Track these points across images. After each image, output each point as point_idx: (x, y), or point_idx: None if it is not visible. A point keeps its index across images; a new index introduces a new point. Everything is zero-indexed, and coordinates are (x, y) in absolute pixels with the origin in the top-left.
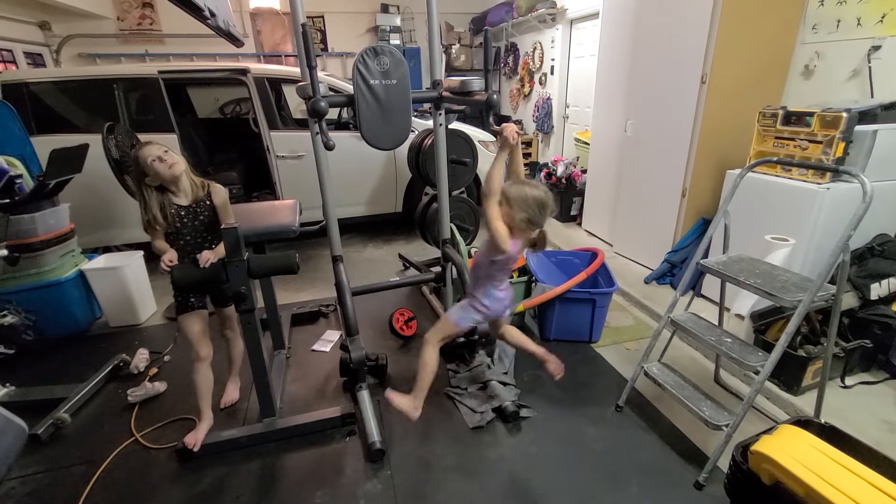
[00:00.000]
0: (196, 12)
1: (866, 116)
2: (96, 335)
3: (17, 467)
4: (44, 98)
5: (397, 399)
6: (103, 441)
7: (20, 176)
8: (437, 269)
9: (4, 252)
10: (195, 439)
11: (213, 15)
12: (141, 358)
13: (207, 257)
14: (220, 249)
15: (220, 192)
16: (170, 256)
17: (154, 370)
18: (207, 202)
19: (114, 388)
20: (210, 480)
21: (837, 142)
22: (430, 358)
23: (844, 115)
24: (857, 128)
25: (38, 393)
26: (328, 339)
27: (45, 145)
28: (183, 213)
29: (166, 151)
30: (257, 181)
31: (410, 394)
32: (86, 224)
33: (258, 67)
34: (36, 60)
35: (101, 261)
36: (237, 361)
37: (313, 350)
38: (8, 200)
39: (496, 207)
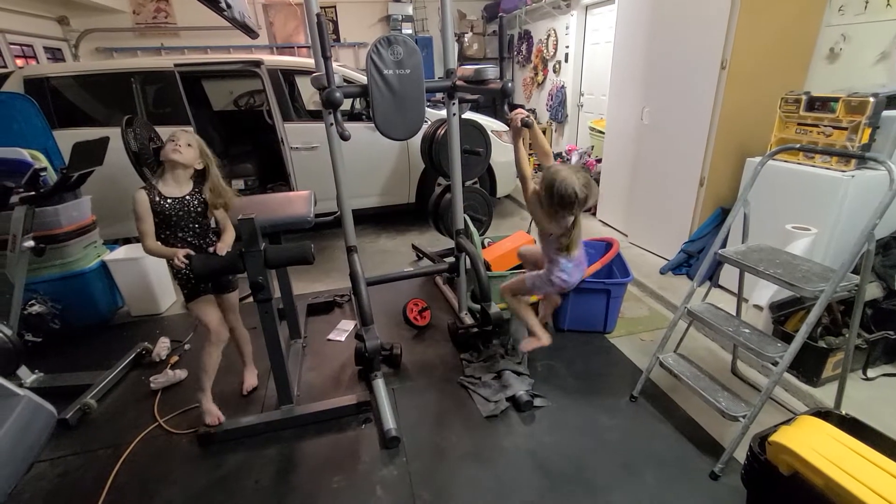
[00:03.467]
0: (213, 4)
1: (894, 101)
2: (119, 324)
3: (47, 450)
4: (64, 92)
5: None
6: (128, 426)
7: (44, 169)
8: (451, 259)
9: (31, 243)
10: (214, 415)
11: (229, 6)
12: (162, 346)
13: (222, 247)
14: (228, 240)
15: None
16: (184, 251)
17: (175, 358)
18: (202, 197)
19: (137, 375)
20: (231, 465)
21: (863, 128)
22: (514, 303)
23: (871, 99)
24: (885, 113)
25: (65, 379)
26: (343, 329)
27: (66, 139)
28: (178, 205)
29: (189, 145)
30: (272, 173)
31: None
32: (107, 216)
33: (272, 59)
34: (55, 55)
35: (122, 252)
36: (246, 348)
37: (329, 339)
38: (33, 193)
39: (529, 191)
